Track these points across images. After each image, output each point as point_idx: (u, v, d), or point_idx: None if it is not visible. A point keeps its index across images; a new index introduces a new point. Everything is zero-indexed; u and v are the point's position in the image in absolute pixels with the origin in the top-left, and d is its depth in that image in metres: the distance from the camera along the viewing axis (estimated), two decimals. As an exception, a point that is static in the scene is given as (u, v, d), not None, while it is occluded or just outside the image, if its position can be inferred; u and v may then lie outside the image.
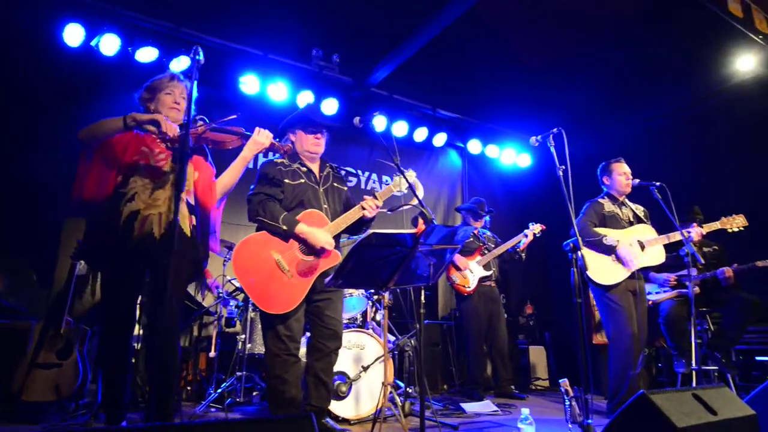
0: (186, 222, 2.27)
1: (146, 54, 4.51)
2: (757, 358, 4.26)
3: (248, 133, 2.46)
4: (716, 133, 5.43)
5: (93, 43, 4.33)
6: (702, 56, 5.41)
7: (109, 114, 4.67)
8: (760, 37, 4.36)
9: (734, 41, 4.92)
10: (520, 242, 4.71)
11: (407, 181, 2.39)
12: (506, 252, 4.80)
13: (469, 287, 4.73)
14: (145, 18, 4.52)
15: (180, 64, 4.57)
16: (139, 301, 2.59)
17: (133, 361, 3.74)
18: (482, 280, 4.76)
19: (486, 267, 4.78)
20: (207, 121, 2.32)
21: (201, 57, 2.00)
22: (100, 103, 4.43)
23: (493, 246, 4.87)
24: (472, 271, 4.76)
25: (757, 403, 2.31)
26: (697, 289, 3.95)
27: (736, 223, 3.67)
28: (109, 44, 4.35)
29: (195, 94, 2.00)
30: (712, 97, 5.53)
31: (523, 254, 4.78)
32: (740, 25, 4.22)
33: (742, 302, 3.82)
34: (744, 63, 5.03)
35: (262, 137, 2.48)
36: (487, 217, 5.09)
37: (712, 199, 4.62)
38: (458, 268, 4.75)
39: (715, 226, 3.72)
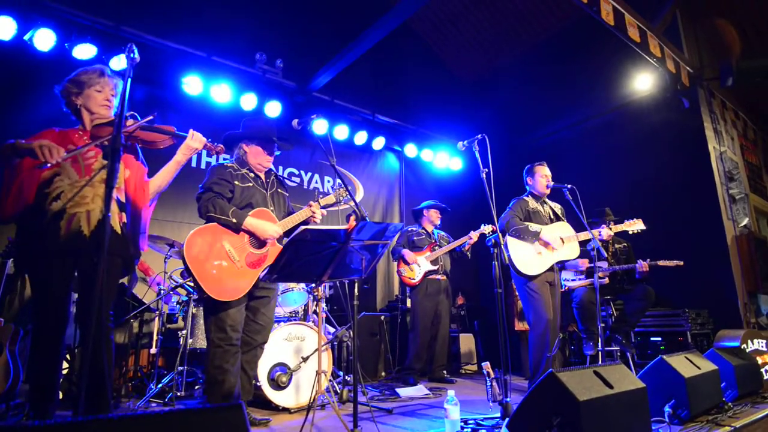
0: (116, 218, 2.13)
1: (84, 51, 4.19)
2: (652, 338, 4.61)
3: (180, 134, 2.30)
4: (619, 142, 5.82)
5: (26, 37, 3.98)
6: (607, 75, 5.80)
7: (43, 109, 4.30)
8: (654, 59, 4.70)
9: (634, 63, 5.30)
10: (465, 242, 4.80)
11: (342, 181, 2.38)
12: (454, 251, 4.89)
13: (414, 279, 4.80)
14: (82, 15, 4.21)
15: (120, 62, 4.29)
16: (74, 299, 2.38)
17: (68, 358, 3.49)
18: (428, 273, 4.82)
19: (433, 262, 4.85)
20: (139, 118, 2.14)
21: (136, 55, 1.80)
22: (34, 98, 4.09)
23: (445, 244, 4.97)
24: (419, 265, 4.82)
25: (647, 377, 2.53)
26: (606, 280, 4.22)
27: (635, 227, 3.97)
28: (44, 39, 4.02)
29: (128, 91, 1.85)
30: (615, 111, 5.92)
31: (468, 253, 4.89)
32: (638, 48, 4.53)
33: (641, 292, 4.12)
34: (642, 82, 5.44)
35: (196, 142, 2.36)
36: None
37: (615, 200, 4.94)
38: (407, 262, 4.81)
39: (620, 228, 3.99)
